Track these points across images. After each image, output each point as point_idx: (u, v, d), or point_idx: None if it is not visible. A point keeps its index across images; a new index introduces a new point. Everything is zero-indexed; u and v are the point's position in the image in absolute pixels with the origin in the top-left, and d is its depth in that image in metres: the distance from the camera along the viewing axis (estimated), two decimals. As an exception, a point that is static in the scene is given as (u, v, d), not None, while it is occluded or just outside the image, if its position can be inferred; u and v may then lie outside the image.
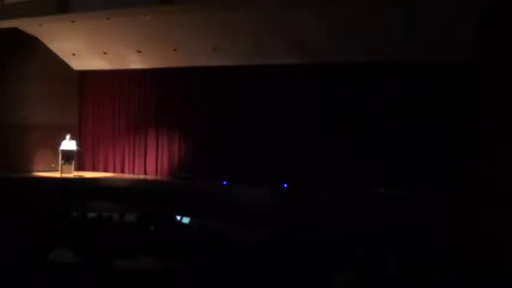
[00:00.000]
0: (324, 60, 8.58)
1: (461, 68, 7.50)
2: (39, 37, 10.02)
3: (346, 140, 8.70)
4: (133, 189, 8.73)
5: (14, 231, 4.27)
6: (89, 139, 11.02)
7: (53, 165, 9.69)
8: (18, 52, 9.87)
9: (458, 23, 6.82)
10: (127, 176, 10.43)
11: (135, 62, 10.30)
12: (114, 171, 10.75)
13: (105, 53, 10.19)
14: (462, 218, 6.22)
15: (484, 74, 6.49)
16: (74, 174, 9.44)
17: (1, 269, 3.32)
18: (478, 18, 6.46)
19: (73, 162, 9.49)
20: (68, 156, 9.42)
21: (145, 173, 10.51)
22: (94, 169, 10.88)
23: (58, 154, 9.42)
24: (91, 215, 5.47)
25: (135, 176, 10.26)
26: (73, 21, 8.58)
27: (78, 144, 9.72)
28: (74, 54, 10.55)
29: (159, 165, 10.46)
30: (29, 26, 9.36)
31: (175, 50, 9.49)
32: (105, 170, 10.81)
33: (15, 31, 9.40)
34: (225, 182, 9.04)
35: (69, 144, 9.47)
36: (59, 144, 9.39)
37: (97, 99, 11.03)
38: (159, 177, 10.28)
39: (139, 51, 9.86)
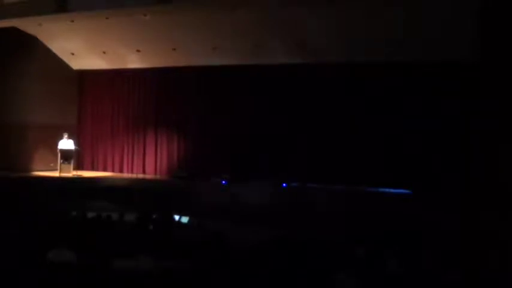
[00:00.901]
0: (324, 60, 8.58)
1: (461, 68, 7.50)
2: (38, 37, 10.00)
3: (345, 139, 8.70)
4: (133, 189, 8.71)
5: (13, 231, 4.26)
6: (88, 138, 11.01)
7: (51, 165, 9.67)
8: (17, 51, 9.85)
9: (458, 22, 6.83)
10: (126, 175, 10.42)
11: (135, 62, 10.28)
12: (113, 171, 10.74)
13: (104, 53, 10.18)
14: (462, 218, 6.22)
15: (484, 73, 6.49)
16: (72, 173, 9.42)
17: (1, 269, 3.31)
18: (478, 18, 6.46)
19: (72, 162, 9.47)
20: (66, 155, 9.41)
21: (144, 172, 10.50)
22: (93, 168, 10.86)
23: (57, 153, 9.41)
24: (90, 214, 5.46)
25: (134, 176, 10.25)
26: (72, 21, 8.56)
27: (76, 144, 9.72)
28: (73, 54, 10.53)
29: (158, 164, 10.46)
30: (28, 25, 9.35)
31: (174, 49, 9.48)
32: (104, 170, 10.80)
33: (15, 30, 9.38)
34: (224, 182, 9.02)
35: (66, 143, 9.46)
36: (58, 144, 9.40)
37: (96, 98, 11.01)
38: (158, 176, 10.27)
39: (138, 51, 9.85)
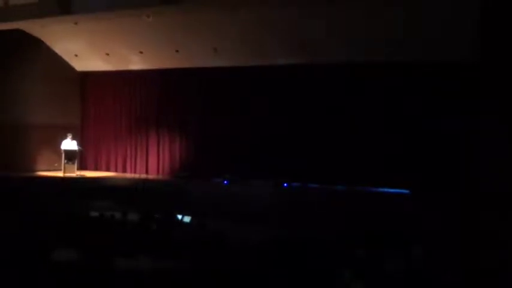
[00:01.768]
0: (324, 60, 8.57)
1: (461, 68, 7.46)
2: (42, 38, 10.06)
3: (345, 139, 8.69)
4: (135, 189, 8.73)
5: (16, 231, 4.28)
6: (91, 139, 11.06)
7: (56, 165, 9.72)
8: (21, 53, 9.90)
9: (458, 23, 6.80)
10: (129, 175, 10.48)
11: (137, 63, 10.33)
12: (116, 171, 10.80)
13: (107, 54, 10.22)
14: (462, 218, 6.20)
15: (484, 73, 6.47)
16: (76, 173, 9.49)
17: (5, 267, 3.33)
18: (478, 18, 6.44)
19: (76, 162, 9.55)
20: (70, 155, 9.47)
21: (147, 172, 10.56)
22: (96, 169, 10.92)
23: (61, 154, 9.46)
24: (94, 214, 5.47)
25: (137, 176, 10.30)
26: (76, 23, 8.60)
27: (79, 144, 9.76)
28: (76, 55, 10.58)
29: (160, 164, 10.51)
30: (33, 27, 9.40)
31: (177, 51, 9.51)
32: (107, 170, 10.86)
33: (19, 32, 9.42)
34: (225, 182, 9.03)
35: (70, 143, 9.52)
36: (62, 144, 9.44)
37: (99, 99, 11.07)
38: (160, 176, 10.33)
39: (141, 52, 9.89)
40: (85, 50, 10.24)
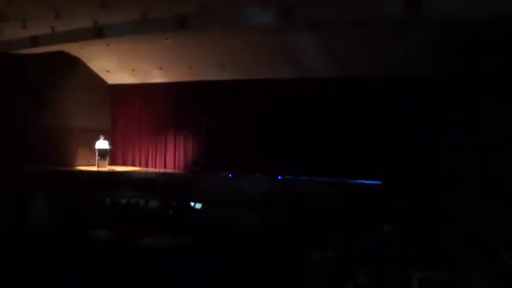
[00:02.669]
0: (319, 74, 8.58)
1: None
2: (80, 57, 10.13)
3: (329, 141, 8.78)
4: (156, 181, 8.79)
5: (62, 214, 4.36)
6: (120, 139, 11.11)
7: (91, 161, 9.84)
8: (64, 70, 9.94)
9: (417, 55, 6.77)
10: (151, 169, 10.53)
11: (158, 77, 10.39)
12: (140, 166, 10.86)
13: (133, 70, 10.31)
14: (425, 203, 6.17)
15: (439, 86, 6.51)
16: (107, 168, 9.59)
17: (50, 244, 3.41)
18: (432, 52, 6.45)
19: (107, 159, 9.65)
20: (102, 153, 9.58)
21: (165, 167, 10.61)
22: (124, 164, 10.98)
23: (95, 152, 9.57)
24: (122, 201, 5.57)
25: (157, 170, 10.37)
26: (108, 45, 8.68)
27: (110, 144, 9.86)
28: (108, 71, 10.66)
29: (176, 161, 10.55)
30: (73, 48, 9.47)
31: (190, 67, 9.58)
32: (133, 165, 10.92)
33: (62, 53, 9.50)
34: (230, 175, 9.11)
35: (102, 143, 9.64)
36: (95, 144, 9.57)
37: (126, 107, 11.11)
38: (177, 171, 10.38)
39: (160, 68, 9.97)
40: (115, 66, 10.32)
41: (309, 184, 8.23)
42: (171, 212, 5.21)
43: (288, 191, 7.80)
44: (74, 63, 10.08)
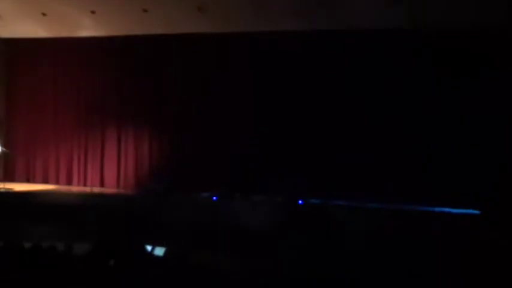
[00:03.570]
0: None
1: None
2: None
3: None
4: (85, 208, 8.77)
5: None
6: (22, 136, 11.10)
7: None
8: None
9: None
10: (76, 189, 10.55)
11: (88, 28, 10.34)
12: (57, 183, 10.86)
13: (44, 15, 10.22)
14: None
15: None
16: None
17: None
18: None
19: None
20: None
21: (102, 184, 10.65)
22: (29, 180, 10.98)
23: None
24: (26, 244, 5.47)
25: (88, 189, 10.37)
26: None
27: (2, 144, 9.78)
28: None
29: (121, 173, 10.60)
30: None
31: (145, 10, 9.52)
32: (45, 181, 10.92)
33: None
34: (214, 197, 9.11)
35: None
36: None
37: (33, 80, 11.09)
38: (121, 190, 10.41)
39: (93, 12, 9.89)
40: (12, 8, 10.22)
41: (350, 213, 8.26)
42: (111, 263, 5.13)
43: (315, 226, 7.81)
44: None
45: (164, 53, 10.29)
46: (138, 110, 10.51)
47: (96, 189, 10.39)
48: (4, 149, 9.81)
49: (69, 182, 10.87)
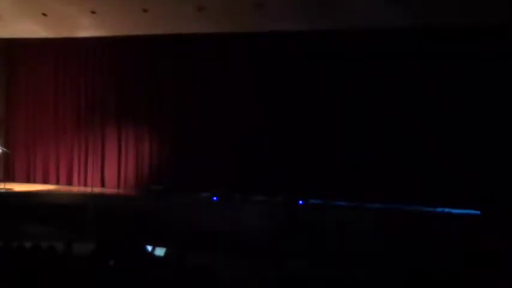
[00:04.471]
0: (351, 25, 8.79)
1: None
2: None
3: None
4: (86, 208, 8.78)
5: None
6: (22, 136, 11.11)
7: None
8: None
9: None
10: (76, 189, 10.54)
11: (87, 28, 10.34)
12: (57, 183, 10.85)
13: (44, 15, 10.22)
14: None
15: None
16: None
17: None
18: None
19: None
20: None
21: (102, 185, 10.65)
22: (29, 180, 10.98)
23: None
24: (24, 244, 5.48)
25: (88, 190, 10.36)
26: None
27: (3, 144, 9.79)
28: (-2, 16, 10.60)
29: (122, 173, 10.60)
30: None
31: (145, 10, 9.53)
32: (45, 181, 10.92)
33: None
34: (215, 198, 9.11)
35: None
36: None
37: (33, 80, 11.10)
38: (121, 190, 10.41)
39: (93, 12, 9.90)
40: (11, 8, 10.22)
41: (352, 213, 8.29)
42: (111, 264, 5.14)
43: (316, 226, 7.83)
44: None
45: (164, 53, 10.28)
46: (138, 110, 10.51)
47: (97, 189, 10.37)
48: (4, 149, 9.80)
49: (69, 182, 10.86)
